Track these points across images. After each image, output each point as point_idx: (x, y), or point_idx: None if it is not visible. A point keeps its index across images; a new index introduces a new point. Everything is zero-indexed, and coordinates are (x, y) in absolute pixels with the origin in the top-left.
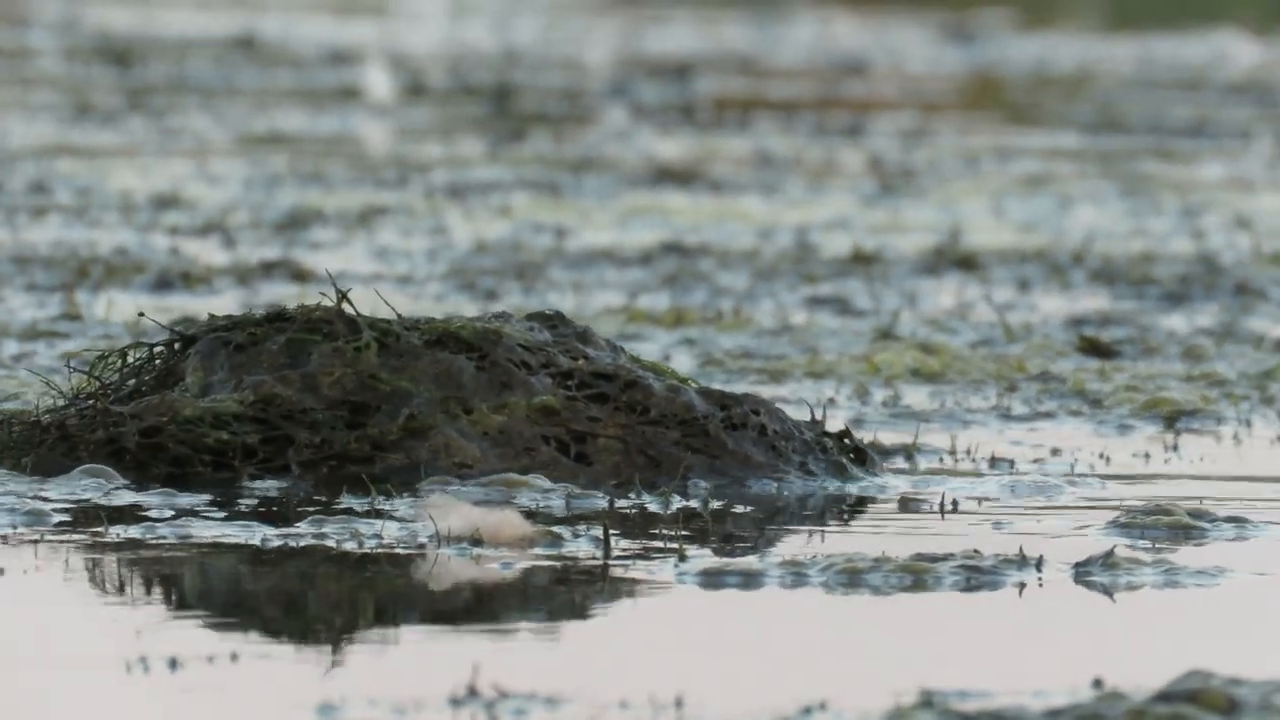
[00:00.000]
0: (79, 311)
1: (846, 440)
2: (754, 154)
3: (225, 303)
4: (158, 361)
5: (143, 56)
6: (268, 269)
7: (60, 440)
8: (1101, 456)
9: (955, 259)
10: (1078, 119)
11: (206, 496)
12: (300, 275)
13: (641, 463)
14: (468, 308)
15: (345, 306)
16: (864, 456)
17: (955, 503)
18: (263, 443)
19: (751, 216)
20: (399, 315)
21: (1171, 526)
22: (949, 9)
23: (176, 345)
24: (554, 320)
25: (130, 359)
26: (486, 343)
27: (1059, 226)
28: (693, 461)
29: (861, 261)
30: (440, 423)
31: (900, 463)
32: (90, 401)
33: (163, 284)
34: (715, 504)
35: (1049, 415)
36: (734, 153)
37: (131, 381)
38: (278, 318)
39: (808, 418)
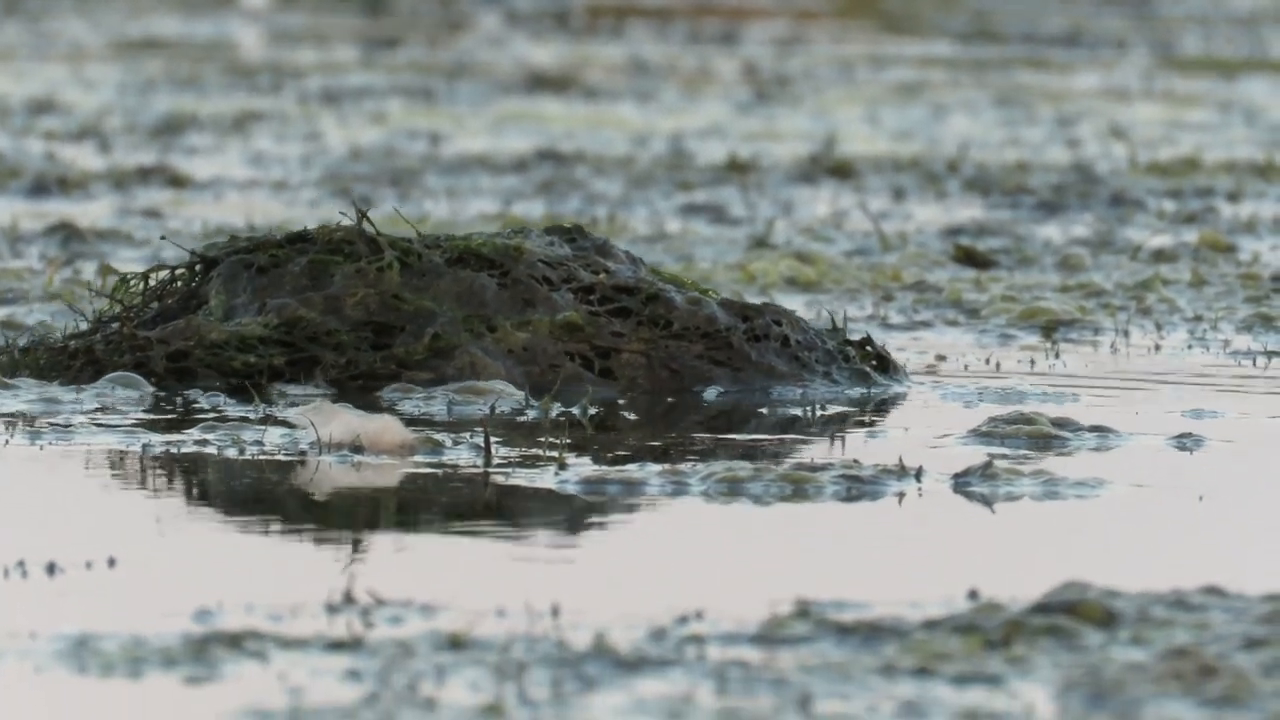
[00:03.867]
0: None
1: (868, 348)
2: (628, 61)
3: (102, 208)
4: (179, 284)
5: None
6: (144, 174)
7: (88, 364)
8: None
9: (830, 167)
10: (952, 28)
11: (96, 402)
12: (176, 180)
13: (665, 376)
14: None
15: (366, 226)
16: (887, 364)
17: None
18: (289, 364)
19: (626, 124)
20: (419, 233)
21: (1033, 435)
22: None
23: (197, 268)
24: (572, 233)
25: (151, 281)
26: (508, 259)
27: (933, 135)
28: (716, 374)
29: (736, 170)
30: (465, 341)
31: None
32: (115, 325)
33: (39, 189)
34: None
35: (926, 325)
36: (608, 60)
37: (154, 305)
38: (298, 239)
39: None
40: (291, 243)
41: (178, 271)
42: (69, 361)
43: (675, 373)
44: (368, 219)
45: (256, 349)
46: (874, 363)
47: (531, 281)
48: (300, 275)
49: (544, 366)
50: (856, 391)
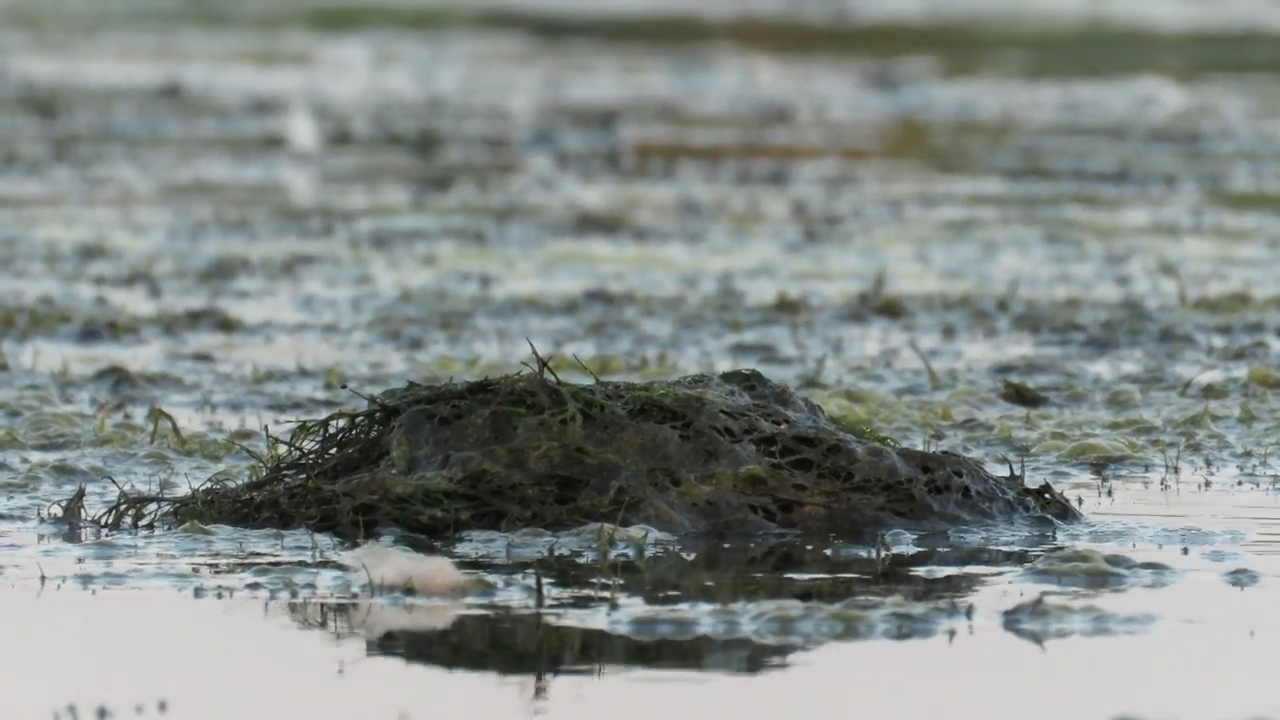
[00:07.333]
0: (5, 361)
1: (1047, 496)
2: (678, 201)
3: (152, 352)
4: (357, 431)
5: (68, 106)
6: (193, 318)
7: (274, 517)
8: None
9: (880, 306)
10: (1001, 165)
11: (139, 544)
12: (226, 324)
13: (846, 527)
14: (393, 357)
15: (547, 377)
16: (1067, 512)
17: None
18: (474, 518)
19: (676, 264)
20: (599, 382)
21: (1090, 573)
22: (872, 56)
23: (377, 416)
24: (751, 380)
25: (331, 429)
26: (690, 410)
27: (983, 273)
28: (899, 526)
29: (786, 309)
30: (649, 495)
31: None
32: (292, 473)
33: (89, 333)
34: (651, 551)
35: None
36: (658, 200)
37: (333, 451)
38: (480, 389)
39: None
40: (473, 393)
41: (358, 420)
42: (254, 514)
43: (856, 524)
44: (549, 369)
45: (442, 503)
46: (1055, 511)
47: (714, 433)
48: (483, 427)
49: (728, 520)
50: (1036, 537)
